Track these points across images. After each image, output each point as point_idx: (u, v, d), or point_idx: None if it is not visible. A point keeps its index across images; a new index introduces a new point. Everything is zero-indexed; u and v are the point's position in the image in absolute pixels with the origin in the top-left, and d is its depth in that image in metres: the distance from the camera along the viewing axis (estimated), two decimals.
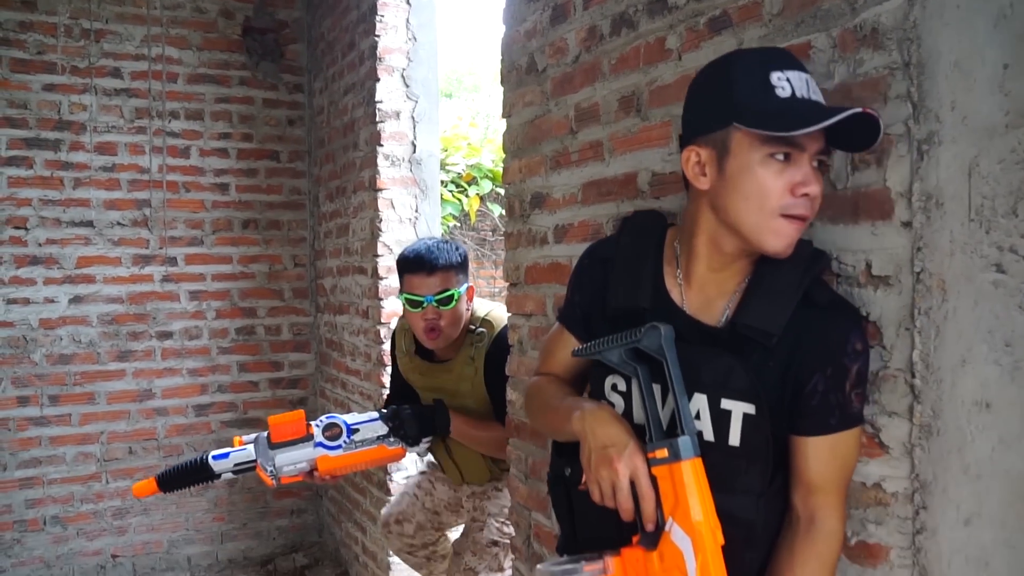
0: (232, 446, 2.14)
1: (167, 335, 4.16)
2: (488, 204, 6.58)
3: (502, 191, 6.39)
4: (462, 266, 2.42)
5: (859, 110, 1.07)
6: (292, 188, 4.42)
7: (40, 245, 3.91)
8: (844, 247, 1.27)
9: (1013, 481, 1.04)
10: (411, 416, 2.28)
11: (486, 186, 6.39)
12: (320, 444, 2.15)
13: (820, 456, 1.16)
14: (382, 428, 2.21)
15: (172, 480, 2.11)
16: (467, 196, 6.27)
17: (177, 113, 4.15)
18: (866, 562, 1.23)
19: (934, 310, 1.14)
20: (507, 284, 2.33)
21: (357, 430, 2.14)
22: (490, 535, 2.58)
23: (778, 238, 1.14)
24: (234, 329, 4.29)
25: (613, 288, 1.33)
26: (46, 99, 3.89)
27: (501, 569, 2.56)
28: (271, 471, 2.08)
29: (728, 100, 1.14)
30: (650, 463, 1.12)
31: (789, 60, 1.16)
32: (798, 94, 1.11)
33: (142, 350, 4.11)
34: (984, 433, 1.07)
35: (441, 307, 2.35)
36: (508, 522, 2.50)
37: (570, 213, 1.99)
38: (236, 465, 2.10)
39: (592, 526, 1.28)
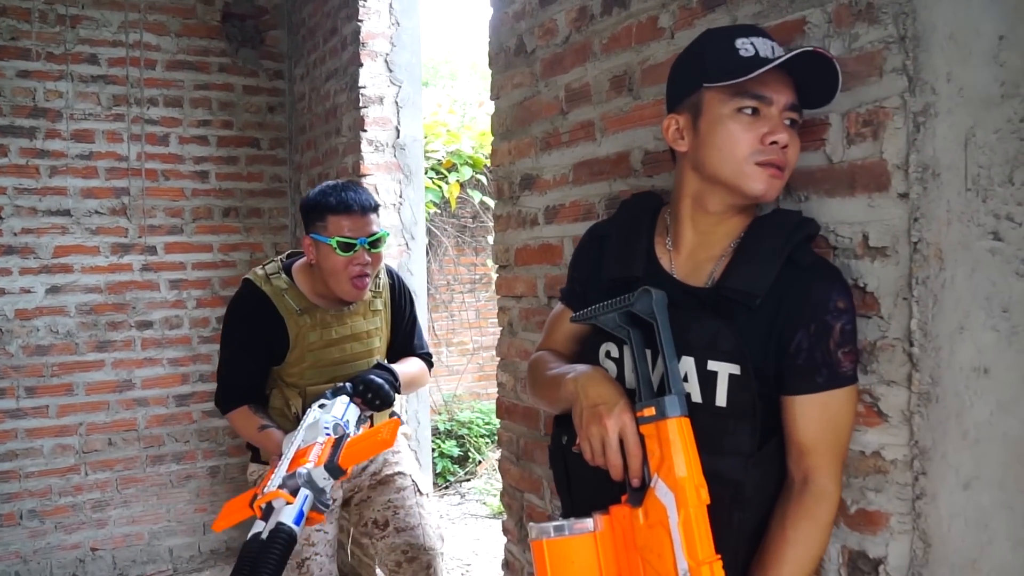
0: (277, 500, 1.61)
1: (147, 325, 4.11)
2: (468, 191, 6.58)
3: (482, 178, 6.48)
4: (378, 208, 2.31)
5: (810, 48, 1.15)
6: (273, 175, 4.39)
7: (15, 235, 3.84)
8: (841, 220, 1.28)
9: (1011, 444, 1.06)
10: (376, 379, 2.09)
11: (466, 172, 6.39)
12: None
13: (809, 416, 1.18)
14: (356, 409, 2.00)
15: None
16: (447, 183, 6.27)
17: (156, 100, 4.10)
18: (866, 529, 1.25)
19: (932, 279, 1.15)
20: (497, 266, 2.33)
21: (348, 421, 1.92)
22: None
23: (756, 182, 1.20)
24: (215, 318, 4.24)
25: (607, 260, 1.39)
26: (21, 86, 3.82)
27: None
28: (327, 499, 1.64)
29: (698, 67, 1.24)
30: (638, 421, 1.15)
31: (755, 30, 1.24)
32: (761, 54, 1.19)
33: (121, 340, 4.06)
34: (982, 398, 1.09)
35: (372, 250, 2.19)
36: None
37: (561, 194, 2.00)
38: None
39: (588, 491, 1.30)
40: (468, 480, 6.02)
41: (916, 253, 1.17)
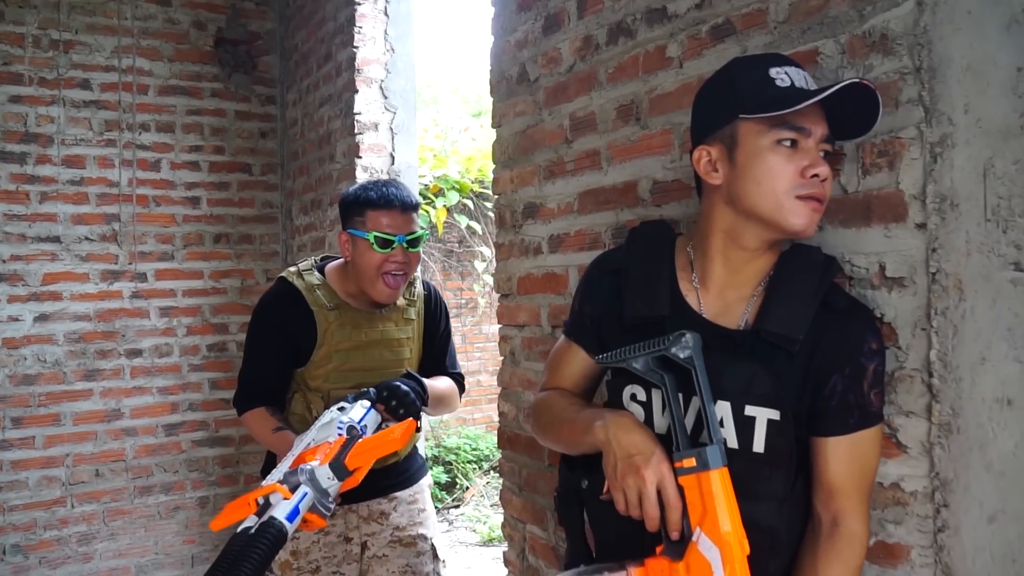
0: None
1: (136, 353, 4.06)
2: (455, 215, 6.58)
3: (469, 203, 6.48)
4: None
5: (856, 79, 1.12)
6: (264, 201, 4.36)
7: (4, 261, 3.79)
8: (856, 250, 1.28)
9: None
10: (402, 387, 1.93)
11: (453, 197, 6.39)
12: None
13: (840, 457, 1.16)
14: (376, 416, 1.87)
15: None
16: (434, 208, 6.27)
17: (148, 125, 4.08)
18: (886, 562, 1.23)
19: (951, 310, 1.15)
20: (499, 295, 2.31)
21: (365, 427, 1.79)
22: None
23: (797, 217, 1.16)
24: (205, 346, 4.20)
25: (629, 298, 1.32)
26: (12, 111, 3.79)
27: None
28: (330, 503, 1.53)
29: (732, 96, 1.20)
30: (677, 472, 1.11)
31: (786, 59, 1.21)
32: (797, 84, 1.16)
33: (110, 369, 4.00)
34: (1007, 430, 1.09)
35: (410, 249, 2.08)
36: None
37: (566, 223, 1.99)
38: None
39: (612, 537, 1.25)
40: (456, 507, 5.97)
41: (935, 283, 1.17)
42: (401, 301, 2.21)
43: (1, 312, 3.79)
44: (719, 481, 1.07)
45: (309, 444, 1.64)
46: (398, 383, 1.93)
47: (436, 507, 5.81)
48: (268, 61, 4.37)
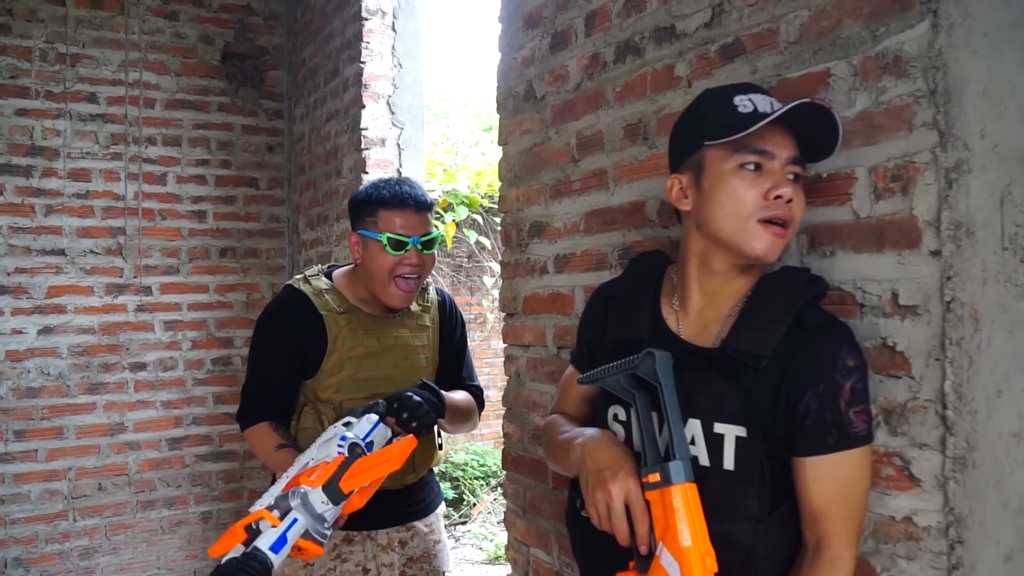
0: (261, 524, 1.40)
1: (140, 366, 4.05)
2: (464, 230, 6.56)
3: (478, 218, 6.47)
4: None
5: (807, 99, 1.16)
6: (271, 216, 4.36)
7: (8, 274, 3.79)
8: (869, 276, 1.25)
9: None
10: (415, 397, 1.82)
11: (462, 212, 6.38)
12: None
13: (821, 478, 1.14)
14: (386, 431, 1.72)
15: None
16: (443, 223, 6.26)
17: (154, 139, 4.08)
18: None
19: (966, 340, 1.12)
20: (504, 314, 2.28)
21: (371, 443, 1.66)
22: None
23: (758, 241, 1.18)
24: (210, 360, 4.18)
25: (613, 321, 1.38)
26: (18, 124, 3.80)
27: None
28: (327, 529, 1.43)
29: (698, 125, 1.24)
30: (644, 487, 1.13)
31: (753, 87, 1.24)
32: (760, 110, 1.18)
33: (114, 382, 3.99)
34: None
35: (424, 251, 1.97)
36: None
37: (572, 242, 1.96)
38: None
39: (600, 555, 1.28)
40: (463, 523, 5.92)
41: (949, 313, 1.14)
42: (415, 307, 2.12)
43: (5, 325, 3.78)
44: (680, 496, 1.08)
45: (308, 463, 1.55)
46: (410, 393, 1.82)
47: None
48: (276, 75, 4.37)
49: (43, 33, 3.84)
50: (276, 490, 1.44)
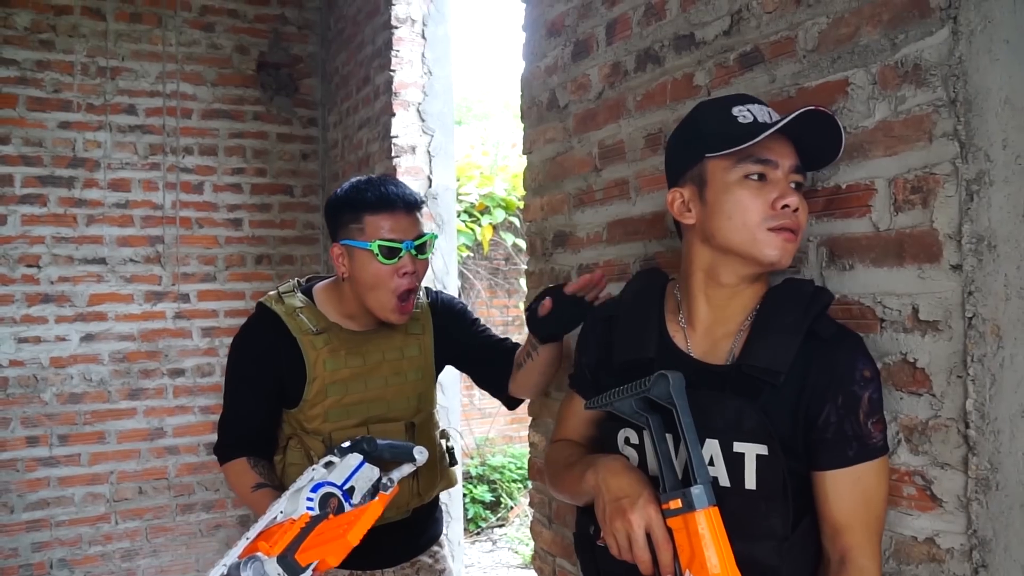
0: None
1: (179, 372, 4.12)
2: (501, 233, 6.57)
3: (515, 220, 6.46)
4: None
5: (812, 107, 1.13)
6: (306, 222, 4.40)
7: (52, 283, 3.89)
8: (888, 291, 1.22)
9: None
10: (379, 440, 1.64)
11: (499, 215, 6.38)
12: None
13: (842, 491, 1.12)
14: (372, 472, 1.58)
15: None
16: (480, 226, 6.26)
17: (191, 149, 4.15)
18: None
19: (988, 357, 1.08)
20: None
21: (352, 489, 1.53)
22: None
23: (771, 248, 1.17)
24: None
25: (618, 342, 1.34)
26: (61, 137, 3.89)
27: None
28: None
29: (697, 138, 1.22)
30: (665, 515, 1.10)
31: (749, 98, 1.23)
32: (759, 120, 1.17)
33: (153, 388, 4.07)
34: None
35: (419, 256, 1.78)
36: None
37: (595, 252, 1.95)
38: None
39: None
40: (500, 526, 5.92)
41: (971, 329, 1.10)
42: None
43: (49, 332, 3.88)
44: (705, 521, 1.05)
45: (276, 518, 1.42)
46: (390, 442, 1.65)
47: (480, 527, 5.79)
48: (310, 84, 4.41)
49: (84, 48, 3.93)
50: (235, 553, 1.31)
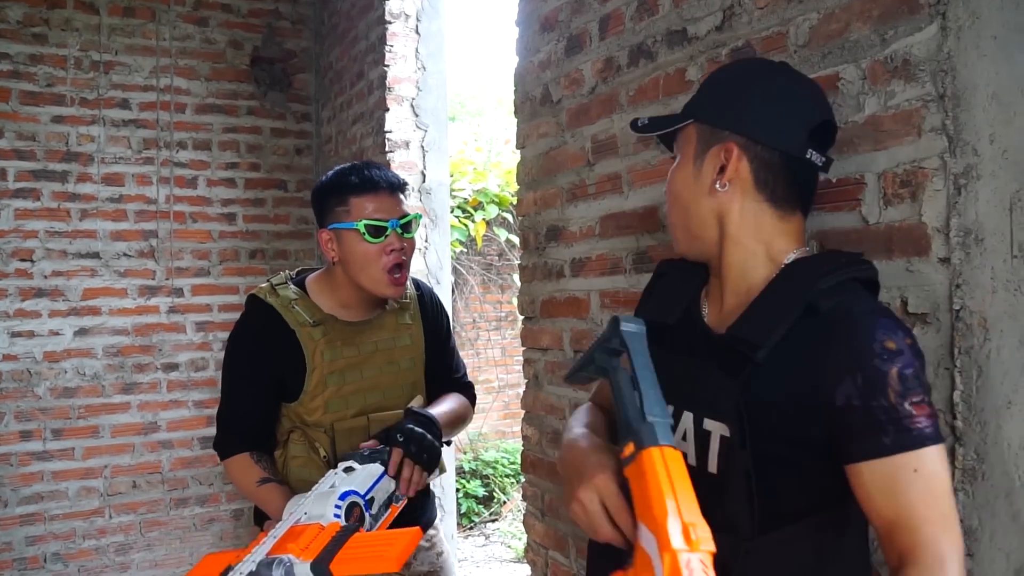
0: None
1: (173, 367, 4.12)
2: (494, 229, 6.57)
3: (508, 216, 6.47)
4: None
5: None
6: (299, 217, 4.41)
7: (46, 277, 3.88)
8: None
9: None
10: (417, 429, 1.70)
11: (492, 211, 6.38)
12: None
13: (886, 485, 0.93)
14: (390, 484, 1.62)
15: None
16: (473, 221, 6.27)
17: (185, 143, 4.14)
18: None
19: (975, 349, 1.10)
20: (522, 317, 2.29)
21: (372, 500, 1.54)
22: None
23: None
24: None
25: (651, 302, 1.27)
26: (54, 131, 3.89)
27: None
28: None
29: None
30: (622, 466, 0.93)
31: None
32: None
33: (147, 382, 4.07)
34: None
35: (404, 234, 1.82)
36: None
37: (587, 246, 1.96)
38: None
39: (600, 566, 1.11)
40: (493, 521, 5.94)
41: (958, 321, 1.12)
42: (392, 304, 1.96)
43: (43, 327, 3.87)
44: (656, 459, 0.87)
45: (300, 519, 1.41)
46: (411, 426, 1.71)
47: (473, 521, 5.81)
48: (303, 79, 4.41)
49: (78, 42, 3.92)
50: (263, 551, 1.32)
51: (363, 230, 1.76)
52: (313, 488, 1.53)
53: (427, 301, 2.03)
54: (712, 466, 1.05)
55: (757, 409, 1.01)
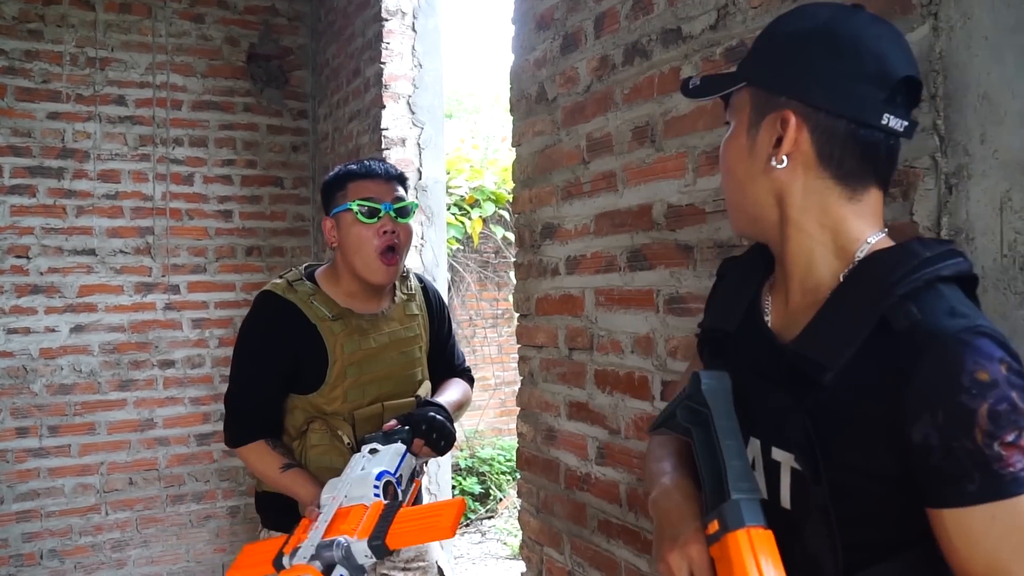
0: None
1: (169, 364, 4.12)
2: (491, 226, 6.58)
3: (505, 213, 6.48)
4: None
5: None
6: (296, 214, 4.41)
7: (42, 274, 3.88)
8: None
9: None
10: (437, 416, 1.81)
11: (488, 208, 6.39)
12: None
13: (971, 534, 0.80)
14: (412, 460, 1.69)
15: None
16: (470, 219, 6.28)
17: (181, 140, 4.14)
18: None
19: None
20: (518, 315, 2.30)
21: (401, 477, 1.60)
22: None
23: None
24: None
25: (712, 306, 1.18)
26: (50, 127, 3.88)
27: None
28: None
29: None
30: (709, 543, 0.90)
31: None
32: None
33: (144, 379, 4.07)
34: None
35: (399, 219, 1.91)
36: None
37: (583, 244, 1.97)
38: None
39: None
40: (489, 518, 5.95)
41: None
42: (400, 296, 2.05)
43: (39, 323, 3.87)
44: (739, 544, 0.84)
45: (342, 502, 1.45)
46: (432, 414, 1.80)
47: (469, 519, 5.82)
48: (300, 76, 4.41)
49: (73, 38, 3.91)
50: (317, 536, 1.35)
51: (356, 209, 1.86)
52: (344, 472, 1.57)
53: (430, 293, 2.15)
54: (785, 500, 0.95)
55: (826, 436, 0.89)
